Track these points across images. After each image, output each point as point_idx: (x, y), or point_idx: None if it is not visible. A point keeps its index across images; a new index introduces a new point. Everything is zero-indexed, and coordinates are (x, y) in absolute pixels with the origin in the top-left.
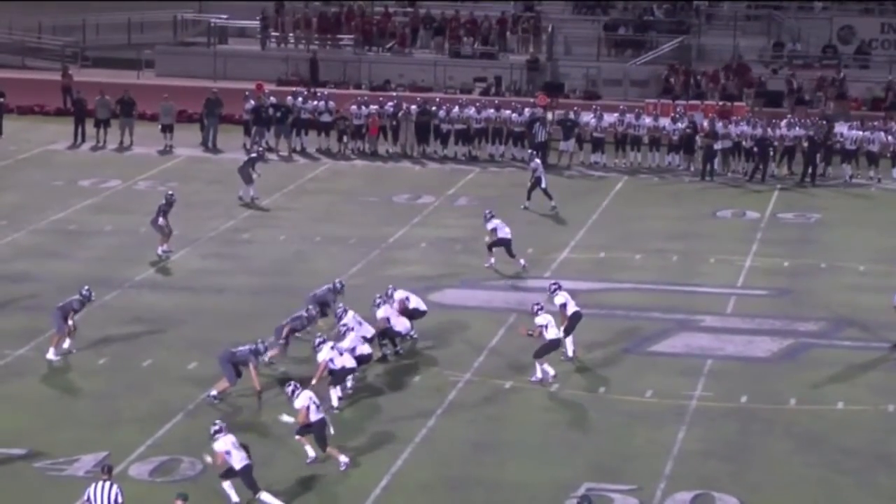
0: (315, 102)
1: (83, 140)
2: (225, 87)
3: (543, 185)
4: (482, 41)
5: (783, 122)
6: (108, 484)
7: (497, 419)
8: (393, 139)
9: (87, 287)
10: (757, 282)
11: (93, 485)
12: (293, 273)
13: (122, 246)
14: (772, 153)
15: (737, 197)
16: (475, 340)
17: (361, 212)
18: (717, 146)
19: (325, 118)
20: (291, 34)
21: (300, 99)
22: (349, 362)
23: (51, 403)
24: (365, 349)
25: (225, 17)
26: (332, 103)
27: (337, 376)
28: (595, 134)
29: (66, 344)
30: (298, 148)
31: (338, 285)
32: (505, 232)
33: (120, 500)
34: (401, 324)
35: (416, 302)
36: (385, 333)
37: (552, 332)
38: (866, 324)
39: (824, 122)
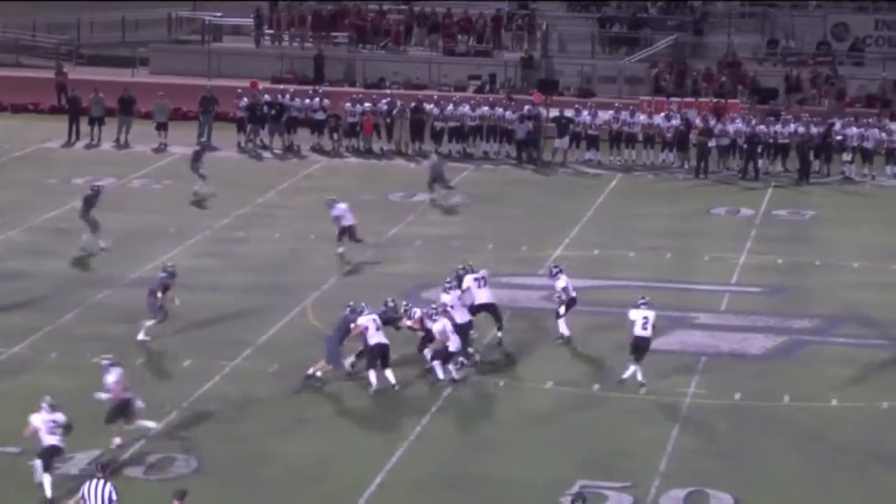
0: (307, 101)
1: (77, 138)
2: (219, 85)
3: (446, 180)
4: (476, 39)
5: (778, 120)
6: (102, 482)
7: (491, 417)
8: (387, 137)
9: (170, 263)
10: (751, 279)
11: (87, 482)
12: (288, 271)
13: (115, 244)
14: (762, 150)
15: (731, 194)
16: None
17: (356, 209)
18: (712, 143)
19: (319, 116)
20: (286, 32)
21: (287, 97)
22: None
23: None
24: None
25: (219, 14)
26: (326, 101)
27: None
28: (590, 131)
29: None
30: (291, 145)
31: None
32: (349, 219)
33: (114, 497)
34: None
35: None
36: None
37: (638, 330)
38: (861, 321)
39: (822, 120)
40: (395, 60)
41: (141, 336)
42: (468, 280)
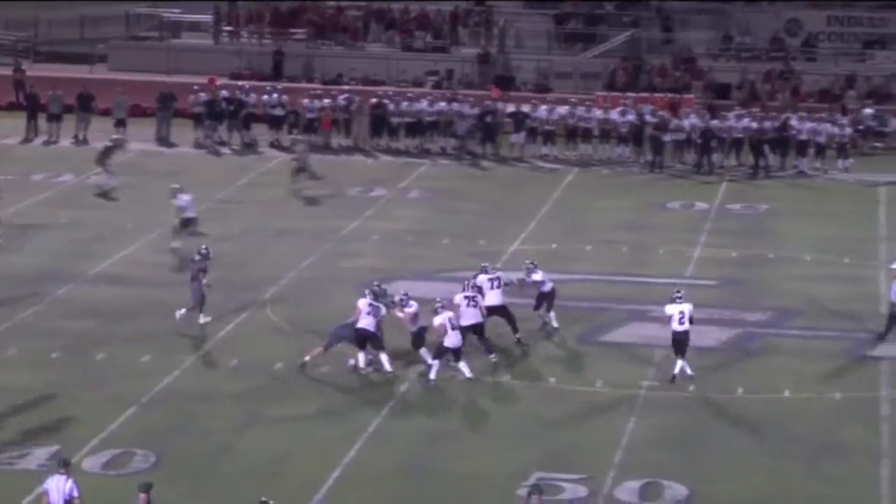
0: (266, 97)
1: (35, 135)
2: (178, 82)
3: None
4: (434, 35)
5: (731, 114)
6: (63, 478)
7: (449, 410)
8: (345, 132)
9: (204, 246)
10: (706, 272)
11: (49, 477)
12: (246, 266)
13: (74, 240)
14: (717, 145)
15: (686, 188)
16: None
17: (314, 205)
18: (667, 138)
19: (277, 112)
20: (244, 29)
21: (246, 93)
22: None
23: (2, 396)
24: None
25: (178, 11)
26: (284, 97)
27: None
28: (546, 126)
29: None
30: (250, 141)
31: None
32: (191, 211)
33: (76, 493)
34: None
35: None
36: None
37: (675, 325)
38: (814, 313)
39: (776, 115)
40: (353, 57)
41: (202, 320)
42: (481, 279)
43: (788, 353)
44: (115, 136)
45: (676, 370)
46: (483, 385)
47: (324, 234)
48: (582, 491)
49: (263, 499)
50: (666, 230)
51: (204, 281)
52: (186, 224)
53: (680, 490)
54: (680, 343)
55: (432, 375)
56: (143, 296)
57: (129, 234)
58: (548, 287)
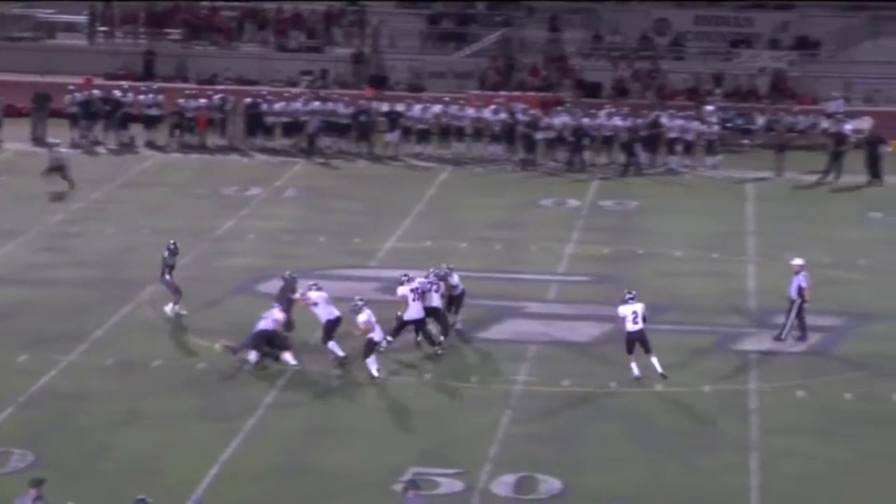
0: (142, 96)
1: None
2: (53, 82)
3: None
4: (308, 35)
5: (602, 112)
6: None
7: (326, 407)
8: (221, 132)
9: (172, 241)
10: (578, 268)
11: None
12: (123, 265)
13: None
14: (588, 143)
15: (558, 186)
16: (305, 329)
17: (190, 204)
18: (539, 136)
19: (154, 112)
20: (119, 29)
21: (119, 92)
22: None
23: None
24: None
25: (52, 12)
26: (160, 97)
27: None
28: (420, 125)
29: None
30: (126, 141)
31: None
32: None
33: None
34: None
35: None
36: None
37: (629, 325)
38: (683, 308)
39: (647, 113)
40: (228, 57)
41: (170, 310)
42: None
43: (659, 348)
44: None
45: (637, 372)
46: (360, 382)
47: (200, 233)
48: (458, 485)
49: (141, 496)
50: (539, 227)
51: (167, 277)
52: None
53: (555, 483)
54: (642, 341)
55: (375, 373)
56: (19, 295)
57: (4, 234)
58: (459, 290)
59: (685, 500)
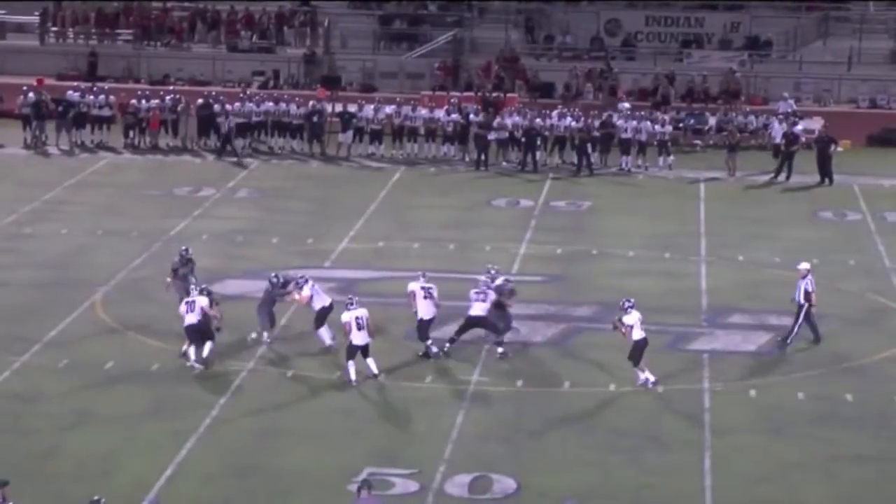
0: (93, 97)
1: None
2: (4, 83)
3: None
4: (259, 35)
5: (554, 113)
6: None
7: (280, 407)
8: (173, 133)
9: (184, 248)
10: (532, 268)
11: None
12: (75, 266)
13: None
14: (540, 143)
15: (511, 186)
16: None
17: (143, 205)
18: (491, 136)
19: (105, 112)
20: (70, 29)
21: (73, 93)
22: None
23: None
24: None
25: (3, 12)
26: (112, 97)
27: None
28: (372, 126)
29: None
30: (79, 142)
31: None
32: None
33: None
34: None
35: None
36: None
37: (637, 333)
38: (636, 308)
39: (598, 113)
40: (179, 57)
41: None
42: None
43: (613, 348)
44: None
45: (650, 377)
46: (313, 382)
47: (153, 234)
48: (413, 486)
49: (96, 497)
50: (492, 227)
51: (194, 281)
52: None
53: (509, 483)
54: (643, 349)
55: (351, 377)
56: None
57: None
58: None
59: (638, 500)
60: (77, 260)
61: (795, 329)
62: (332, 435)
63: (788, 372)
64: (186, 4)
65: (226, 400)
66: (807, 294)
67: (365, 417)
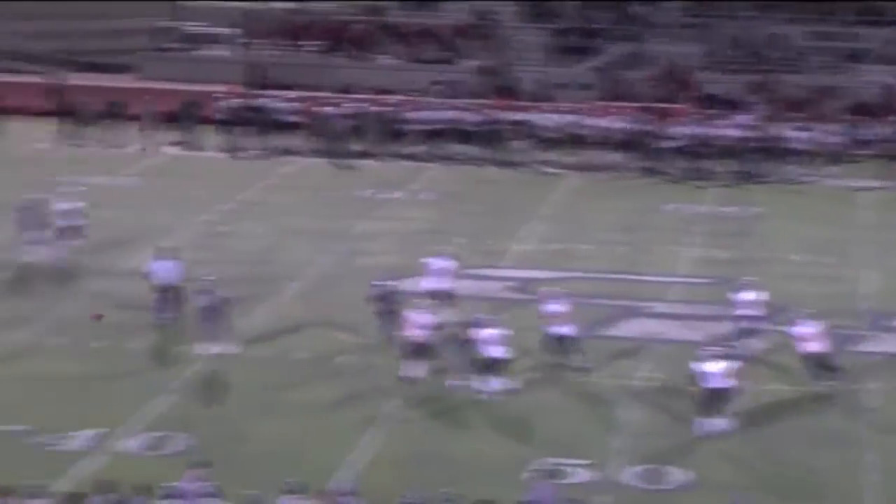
0: (282, 104)
1: None
2: (202, 91)
3: None
4: (440, 48)
5: (722, 122)
6: None
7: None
8: (358, 138)
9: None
10: (700, 270)
11: None
12: (268, 263)
13: None
14: (709, 152)
15: (680, 192)
16: None
17: (329, 206)
18: (663, 145)
19: (294, 118)
20: (263, 41)
21: (265, 100)
22: None
23: None
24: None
25: (202, 24)
26: (300, 105)
27: None
28: (546, 133)
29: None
30: (270, 146)
31: None
32: None
33: None
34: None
35: None
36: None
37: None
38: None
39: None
40: (363, 67)
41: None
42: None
43: (783, 348)
44: None
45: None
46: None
47: (338, 233)
48: (586, 475)
49: (289, 480)
50: (661, 231)
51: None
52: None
53: (683, 475)
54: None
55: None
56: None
57: (161, 234)
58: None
59: (805, 497)
60: (269, 256)
61: None
62: (507, 425)
63: None
64: (372, 18)
65: (406, 390)
66: None
67: (540, 409)
